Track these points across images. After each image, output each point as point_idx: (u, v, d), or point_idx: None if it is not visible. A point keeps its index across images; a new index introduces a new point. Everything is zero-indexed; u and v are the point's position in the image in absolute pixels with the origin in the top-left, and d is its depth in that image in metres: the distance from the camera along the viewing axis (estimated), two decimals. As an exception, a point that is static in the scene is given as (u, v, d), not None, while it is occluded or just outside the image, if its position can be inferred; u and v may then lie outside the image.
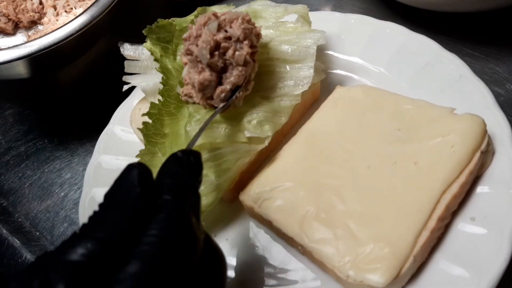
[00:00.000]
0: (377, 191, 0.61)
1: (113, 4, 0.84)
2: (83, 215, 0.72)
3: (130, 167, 0.41)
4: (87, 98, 0.99)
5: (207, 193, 0.65)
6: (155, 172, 0.46)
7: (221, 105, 0.65)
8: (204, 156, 0.65)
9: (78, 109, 0.98)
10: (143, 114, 0.69)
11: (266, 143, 0.69)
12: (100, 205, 0.39)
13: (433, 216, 0.58)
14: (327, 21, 0.86)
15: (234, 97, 0.65)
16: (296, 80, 0.72)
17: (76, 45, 0.85)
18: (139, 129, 0.68)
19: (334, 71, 0.84)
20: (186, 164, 0.45)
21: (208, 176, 0.65)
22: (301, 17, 0.78)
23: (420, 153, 0.63)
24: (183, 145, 0.67)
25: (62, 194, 0.84)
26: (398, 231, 0.56)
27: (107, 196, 0.40)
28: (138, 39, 0.82)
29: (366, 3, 1.01)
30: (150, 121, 0.68)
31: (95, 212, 0.38)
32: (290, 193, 0.64)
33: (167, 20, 0.77)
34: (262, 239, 0.67)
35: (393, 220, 0.58)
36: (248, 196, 0.66)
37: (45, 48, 0.78)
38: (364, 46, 0.84)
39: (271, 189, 0.65)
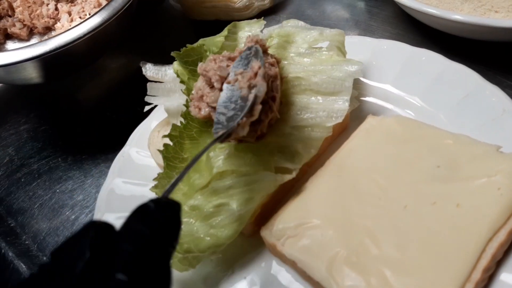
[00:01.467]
0: (415, 235, 0.55)
1: (126, 7, 0.82)
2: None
3: (87, 227, 0.33)
4: (104, 117, 0.96)
5: (227, 224, 0.60)
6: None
7: (220, 133, 0.55)
8: (227, 182, 0.61)
9: (95, 129, 0.95)
10: (164, 136, 0.66)
11: (294, 174, 0.64)
12: (42, 266, 0.31)
13: (477, 266, 0.51)
14: (358, 46, 0.82)
15: (235, 124, 0.54)
16: (329, 112, 0.67)
17: (88, 48, 0.83)
18: (159, 150, 0.64)
19: (365, 98, 0.79)
20: (157, 223, 0.34)
21: (229, 205, 0.60)
22: (336, 47, 0.74)
23: (462, 194, 0.57)
24: (202, 171, 0.63)
25: (73, 217, 0.80)
26: (440, 283, 0.50)
27: (54, 255, 0.32)
28: (161, 59, 0.79)
29: (398, 28, 0.97)
30: (171, 143, 0.64)
31: (33, 275, 0.31)
32: (317, 231, 0.58)
33: (196, 43, 0.74)
34: (284, 279, 0.61)
35: (434, 270, 0.52)
36: (271, 232, 0.61)
37: (56, 49, 0.76)
38: (398, 74, 0.79)
39: (296, 225, 0.60)
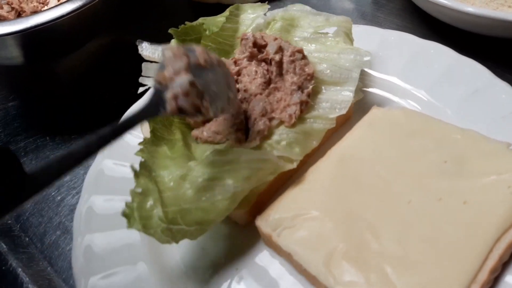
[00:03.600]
0: (419, 231, 0.52)
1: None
2: (79, 225, 0.64)
3: None
4: (96, 96, 0.92)
5: (219, 200, 0.55)
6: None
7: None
8: (227, 156, 0.57)
9: (85, 108, 0.90)
10: None
11: (295, 165, 0.61)
12: None
13: (484, 267, 0.49)
14: (365, 35, 0.79)
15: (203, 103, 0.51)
16: (333, 103, 0.64)
17: (73, 28, 0.79)
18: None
19: (369, 89, 0.76)
20: None
21: (225, 180, 0.56)
22: (344, 32, 0.70)
23: (470, 192, 0.54)
24: (179, 154, 0.60)
25: (59, 198, 0.76)
26: (444, 283, 0.48)
27: None
28: (158, 39, 0.76)
29: (406, 21, 0.94)
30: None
31: None
32: (316, 223, 0.55)
33: (196, 22, 0.70)
34: (278, 272, 0.58)
35: (437, 269, 0.49)
36: (266, 222, 0.58)
37: (37, 26, 0.72)
38: (405, 66, 0.76)
39: (293, 216, 0.57)
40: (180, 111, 0.49)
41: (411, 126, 0.63)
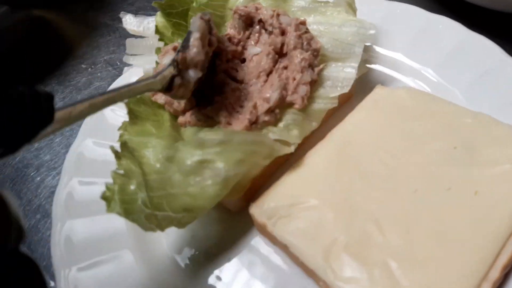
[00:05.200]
0: (426, 223, 0.48)
1: None
2: (57, 210, 0.59)
3: None
4: (79, 69, 0.86)
5: (209, 185, 0.50)
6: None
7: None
8: (217, 136, 0.52)
9: (68, 82, 0.84)
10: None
11: (293, 149, 0.56)
12: None
13: (496, 263, 0.45)
14: (369, 7, 0.73)
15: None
16: (334, 80, 0.59)
17: None
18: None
19: (373, 66, 0.71)
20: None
21: (215, 163, 0.50)
22: (345, 1, 0.64)
23: (481, 181, 0.50)
24: (165, 133, 0.55)
25: (38, 178, 0.71)
26: (452, 280, 0.44)
27: None
28: (143, 11, 0.69)
29: (412, -7, 0.88)
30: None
31: None
32: (314, 212, 0.51)
33: None
34: (273, 263, 0.55)
35: (446, 265, 0.45)
36: (261, 210, 0.53)
37: None
38: (411, 42, 0.71)
39: (290, 204, 0.53)
40: (174, 96, 0.52)
41: (418, 108, 0.59)
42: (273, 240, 0.54)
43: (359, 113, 0.60)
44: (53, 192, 0.68)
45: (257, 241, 0.57)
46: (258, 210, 0.54)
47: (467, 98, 0.63)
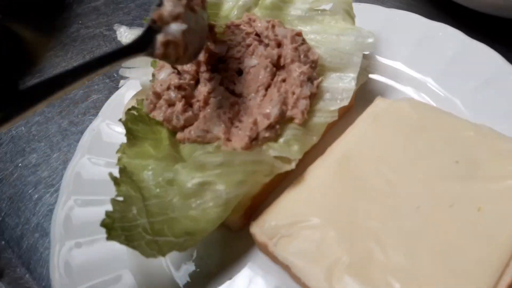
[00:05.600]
0: (428, 241, 0.48)
1: None
2: (55, 232, 0.58)
3: None
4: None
5: (210, 208, 0.49)
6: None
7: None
8: (217, 158, 0.51)
9: (64, 96, 0.83)
10: (128, 109, 0.57)
11: (293, 165, 0.55)
12: None
13: (501, 282, 0.45)
14: (367, 14, 0.72)
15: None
16: (334, 92, 0.58)
17: None
18: (121, 120, 0.55)
19: (372, 75, 0.70)
20: None
21: (216, 185, 0.50)
22: (343, 9, 0.63)
23: (484, 197, 0.50)
24: (164, 154, 0.54)
25: (36, 196, 0.71)
26: (457, 301, 0.44)
27: None
28: (139, 20, 0.68)
29: (410, -2, 0.87)
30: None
31: None
32: (316, 232, 0.51)
33: None
34: (274, 283, 0.54)
35: (449, 284, 0.45)
36: (262, 229, 0.53)
37: None
38: (411, 51, 0.70)
39: (291, 223, 0.52)
40: (164, 57, 0.49)
41: (419, 120, 0.58)
42: (274, 259, 0.53)
43: (359, 127, 0.59)
44: (51, 210, 0.68)
45: (259, 259, 0.56)
46: (259, 229, 0.53)
47: (468, 108, 0.62)
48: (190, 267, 0.56)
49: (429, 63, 0.68)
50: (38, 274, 0.63)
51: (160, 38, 0.47)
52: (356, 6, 0.70)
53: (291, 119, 0.57)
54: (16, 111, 0.38)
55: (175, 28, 0.48)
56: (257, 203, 0.58)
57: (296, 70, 0.57)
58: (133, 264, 0.56)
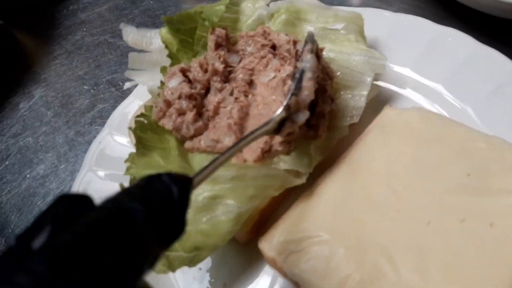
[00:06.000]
0: (440, 258, 0.47)
1: None
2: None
3: (56, 201, 0.29)
4: (81, 90, 0.85)
5: (222, 222, 0.50)
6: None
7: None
8: (230, 172, 0.51)
9: (70, 105, 0.83)
10: (137, 116, 0.56)
11: (304, 179, 0.55)
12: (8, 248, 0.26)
13: (513, 300, 0.44)
14: (374, 20, 0.71)
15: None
16: (345, 109, 0.57)
17: None
18: (130, 128, 0.55)
19: (379, 82, 0.69)
20: (157, 199, 0.29)
21: (228, 199, 0.50)
22: (356, 30, 0.63)
23: (497, 212, 0.49)
24: (174, 165, 0.54)
25: (45, 208, 0.71)
26: (469, 320, 0.43)
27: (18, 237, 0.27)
28: (146, 21, 0.68)
29: (418, 0, 0.85)
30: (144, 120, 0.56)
31: None
32: (325, 248, 0.50)
33: (193, 9, 0.62)
34: (284, 296, 0.54)
35: (462, 303, 0.44)
36: (270, 244, 0.52)
37: None
38: (419, 57, 0.69)
39: (300, 239, 0.51)
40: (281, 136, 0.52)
41: (429, 131, 0.57)
42: (283, 274, 0.53)
43: (367, 138, 0.59)
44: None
45: (267, 273, 0.56)
46: (268, 244, 0.53)
47: (480, 117, 0.61)
48: (197, 281, 0.56)
49: (439, 69, 0.67)
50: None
51: (287, 124, 0.49)
52: (363, 11, 0.69)
53: (312, 137, 0.56)
54: None
55: (301, 118, 0.50)
56: (265, 217, 0.58)
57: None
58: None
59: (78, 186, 0.62)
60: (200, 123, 0.56)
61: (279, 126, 0.49)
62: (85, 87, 0.85)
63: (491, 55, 0.65)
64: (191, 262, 0.49)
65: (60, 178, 0.74)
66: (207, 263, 0.58)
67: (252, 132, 0.45)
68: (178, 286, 0.56)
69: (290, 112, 0.49)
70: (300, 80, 0.50)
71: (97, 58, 0.89)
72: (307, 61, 0.51)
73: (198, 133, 0.56)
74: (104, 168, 0.64)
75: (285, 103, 0.49)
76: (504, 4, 0.65)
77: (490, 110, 0.61)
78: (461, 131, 0.56)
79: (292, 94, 0.49)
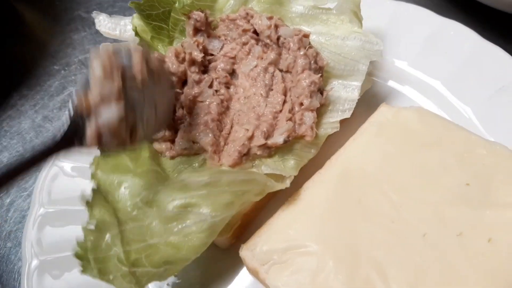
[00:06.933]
0: (435, 274, 0.44)
1: None
2: (26, 249, 0.53)
3: None
4: (51, 71, 0.77)
5: (193, 233, 0.44)
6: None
7: None
8: (203, 178, 0.46)
9: (36, 85, 0.76)
10: None
11: (288, 183, 0.51)
12: None
13: (510, 322, 0.41)
14: (374, 7, 0.66)
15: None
16: (335, 102, 0.53)
17: None
18: None
19: (375, 78, 0.65)
20: None
21: (200, 207, 0.45)
22: (350, 10, 0.57)
23: (496, 226, 0.46)
24: (144, 168, 0.48)
25: (8, 200, 0.65)
26: None
27: None
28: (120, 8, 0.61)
29: (420, -14, 0.80)
30: None
31: None
32: (312, 259, 0.46)
33: None
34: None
35: (457, 326, 0.41)
36: (252, 253, 0.48)
37: None
38: (419, 50, 0.64)
39: (285, 248, 0.47)
40: (101, 147, 0.40)
41: (427, 134, 0.53)
42: (265, 285, 0.49)
43: (361, 139, 0.54)
44: (24, 217, 0.63)
45: (248, 282, 0.52)
46: (250, 253, 0.48)
47: (480, 119, 0.58)
48: (170, 286, 0.52)
49: (439, 65, 0.63)
50: (11, 287, 0.58)
51: (89, 128, 0.38)
52: (363, -2, 0.64)
53: (300, 137, 0.52)
54: None
55: (108, 114, 0.38)
56: (248, 222, 0.54)
57: (306, 80, 0.52)
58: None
59: (43, 180, 0.57)
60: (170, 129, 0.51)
61: (80, 134, 0.39)
62: (55, 67, 0.78)
63: (495, 53, 0.61)
64: (161, 277, 0.44)
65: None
66: (184, 268, 0.53)
67: (36, 152, 0.38)
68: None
69: (86, 114, 0.39)
70: (82, 79, 0.41)
71: (69, 36, 0.82)
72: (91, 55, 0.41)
73: (168, 139, 0.51)
74: (72, 160, 0.59)
75: (71, 106, 0.39)
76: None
77: (491, 113, 0.58)
78: (461, 135, 0.52)
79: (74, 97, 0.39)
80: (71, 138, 0.38)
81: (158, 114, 0.44)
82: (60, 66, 0.78)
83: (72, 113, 0.38)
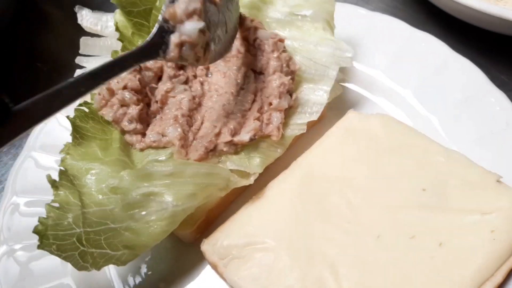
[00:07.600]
0: (386, 275, 0.45)
1: None
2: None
3: None
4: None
5: (154, 220, 0.45)
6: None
7: None
8: (167, 167, 0.47)
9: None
10: (79, 104, 0.52)
11: (252, 180, 0.52)
12: None
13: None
14: (349, 16, 0.68)
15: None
16: (304, 105, 0.55)
17: None
18: (68, 117, 0.51)
19: (347, 84, 0.67)
20: None
21: (163, 196, 0.46)
22: (324, 19, 0.59)
23: (448, 231, 0.47)
24: (112, 158, 0.50)
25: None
26: None
27: None
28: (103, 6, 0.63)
29: (397, 0, 0.82)
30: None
31: None
32: (270, 255, 0.48)
33: None
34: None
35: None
36: (213, 248, 0.50)
37: None
38: (391, 60, 0.66)
39: (245, 244, 0.49)
40: (180, 59, 0.45)
41: (390, 140, 0.54)
42: (224, 280, 0.50)
43: (327, 143, 0.56)
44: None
45: (209, 276, 0.53)
46: (210, 248, 0.50)
47: (444, 129, 0.60)
48: (136, 278, 0.53)
49: (410, 75, 0.64)
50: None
51: (173, 39, 0.43)
52: (339, 7, 0.66)
53: (266, 137, 0.53)
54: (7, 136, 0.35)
55: (191, 27, 0.44)
56: (213, 217, 0.55)
57: (276, 81, 0.53)
58: (77, 273, 0.53)
59: (17, 169, 0.58)
60: (142, 124, 0.53)
61: (165, 46, 0.44)
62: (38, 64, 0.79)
63: (463, 65, 0.63)
64: (119, 261, 0.45)
65: (2, 161, 0.69)
66: (148, 261, 0.55)
67: (122, 56, 0.42)
68: (117, 282, 0.53)
69: (170, 24, 0.44)
70: None
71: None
72: None
73: (139, 131, 0.52)
74: (47, 152, 0.60)
75: (160, 17, 0.44)
76: (482, 14, 0.62)
77: (455, 123, 0.59)
78: (422, 143, 0.54)
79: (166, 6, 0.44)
80: (156, 47, 0.43)
81: (227, 36, 0.49)
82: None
83: (160, 24, 0.43)
